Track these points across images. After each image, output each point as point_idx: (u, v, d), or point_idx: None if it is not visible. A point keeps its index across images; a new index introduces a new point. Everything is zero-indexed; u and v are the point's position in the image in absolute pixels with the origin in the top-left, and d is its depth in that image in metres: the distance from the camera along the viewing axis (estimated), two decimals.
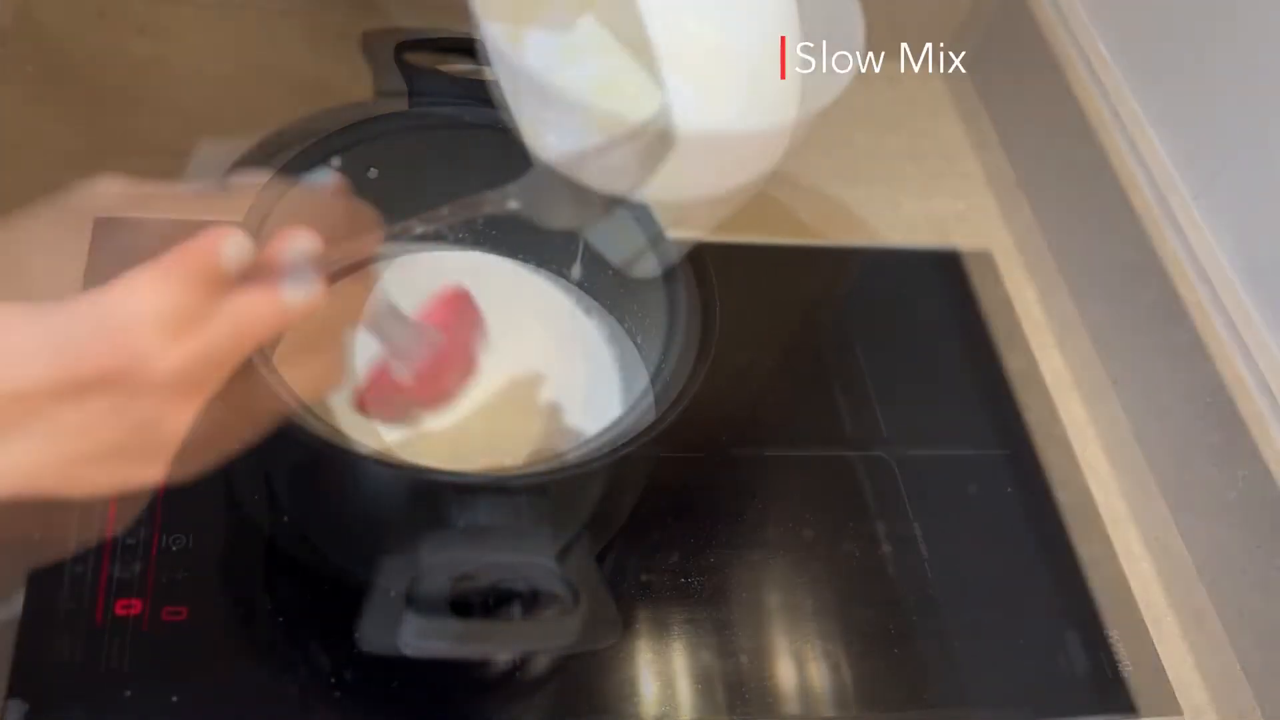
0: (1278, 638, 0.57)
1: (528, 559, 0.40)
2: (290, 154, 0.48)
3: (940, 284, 0.72)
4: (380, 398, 0.49)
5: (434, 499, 0.42)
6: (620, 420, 0.50)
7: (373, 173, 0.52)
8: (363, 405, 0.50)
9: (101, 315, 0.32)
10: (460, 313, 0.51)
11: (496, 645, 0.39)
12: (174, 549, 0.51)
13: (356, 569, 0.51)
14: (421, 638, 0.37)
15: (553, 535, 0.41)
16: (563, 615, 0.39)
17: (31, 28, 0.67)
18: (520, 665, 0.51)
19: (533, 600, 0.51)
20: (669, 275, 0.52)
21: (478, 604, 0.50)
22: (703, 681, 0.52)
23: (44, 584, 0.48)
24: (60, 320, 0.31)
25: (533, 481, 0.42)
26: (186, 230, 0.55)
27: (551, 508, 0.41)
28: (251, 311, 0.35)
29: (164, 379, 0.32)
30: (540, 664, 0.52)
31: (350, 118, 0.51)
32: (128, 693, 0.47)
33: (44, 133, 0.64)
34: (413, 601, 0.38)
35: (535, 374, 0.56)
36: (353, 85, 0.54)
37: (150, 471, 0.35)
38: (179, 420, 0.34)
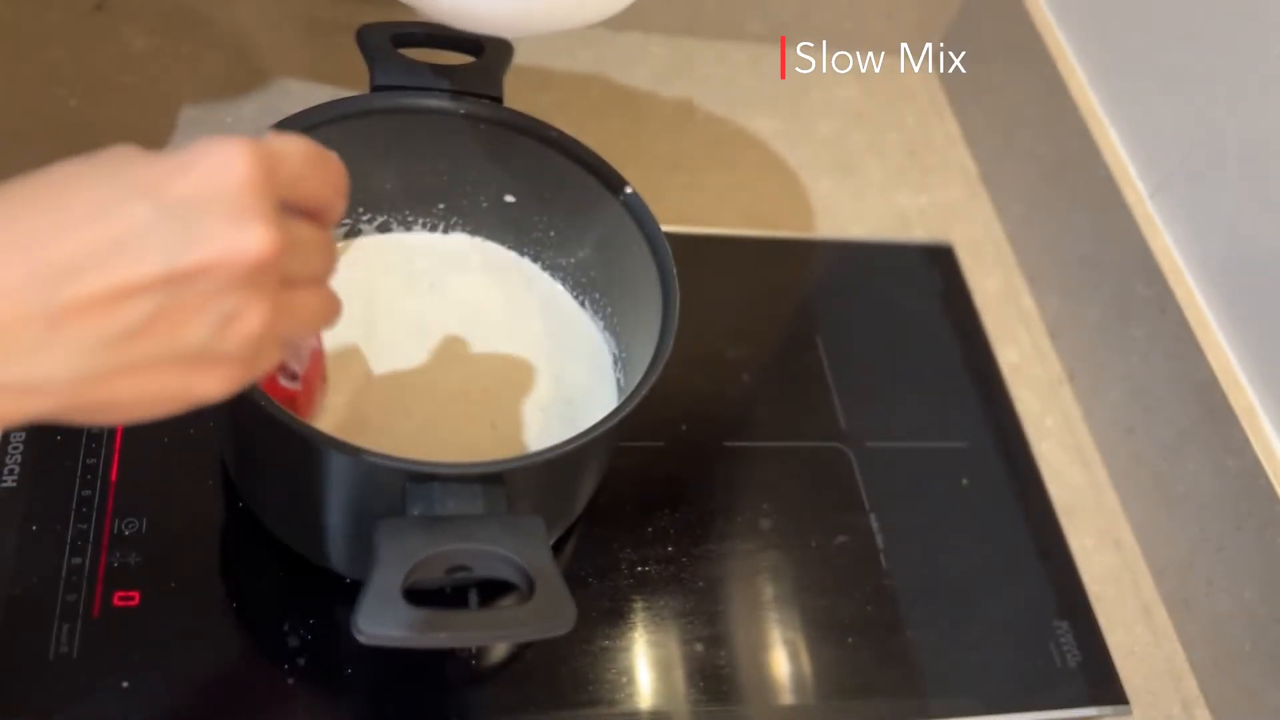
0: (1224, 629, 0.58)
1: (482, 547, 0.39)
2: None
3: (902, 277, 0.73)
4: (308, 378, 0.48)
5: (389, 486, 0.41)
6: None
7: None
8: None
9: (211, 189, 0.30)
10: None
11: (452, 634, 0.39)
12: (126, 533, 0.50)
13: (312, 555, 0.51)
14: (376, 626, 0.37)
15: (508, 524, 0.40)
16: (518, 604, 0.39)
17: (27, 19, 0.66)
18: (477, 653, 0.51)
19: (489, 589, 0.51)
20: (644, 265, 0.52)
21: (434, 593, 0.51)
22: (660, 669, 0.53)
23: None
24: (172, 196, 0.30)
25: (488, 470, 0.41)
26: None
27: (508, 496, 0.41)
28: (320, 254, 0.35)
29: (262, 264, 0.30)
30: (497, 652, 0.52)
31: (342, 109, 0.51)
32: (78, 680, 0.46)
33: (36, 124, 0.63)
34: (367, 589, 0.38)
35: (530, 365, 0.56)
36: (349, 78, 0.54)
37: (216, 384, 0.32)
38: (259, 318, 0.31)
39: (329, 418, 0.51)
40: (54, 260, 0.29)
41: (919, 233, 0.75)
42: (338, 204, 0.36)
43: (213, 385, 0.32)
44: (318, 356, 0.48)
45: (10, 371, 0.29)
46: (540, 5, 0.45)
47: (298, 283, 0.34)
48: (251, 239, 0.30)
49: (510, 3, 0.45)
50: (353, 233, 0.58)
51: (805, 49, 0.83)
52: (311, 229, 0.34)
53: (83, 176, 0.30)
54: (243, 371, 0.33)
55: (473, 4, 0.45)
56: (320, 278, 0.35)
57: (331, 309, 0.36)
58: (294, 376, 0.47)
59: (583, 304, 0.58)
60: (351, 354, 0.54)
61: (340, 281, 0.56)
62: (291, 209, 0.34)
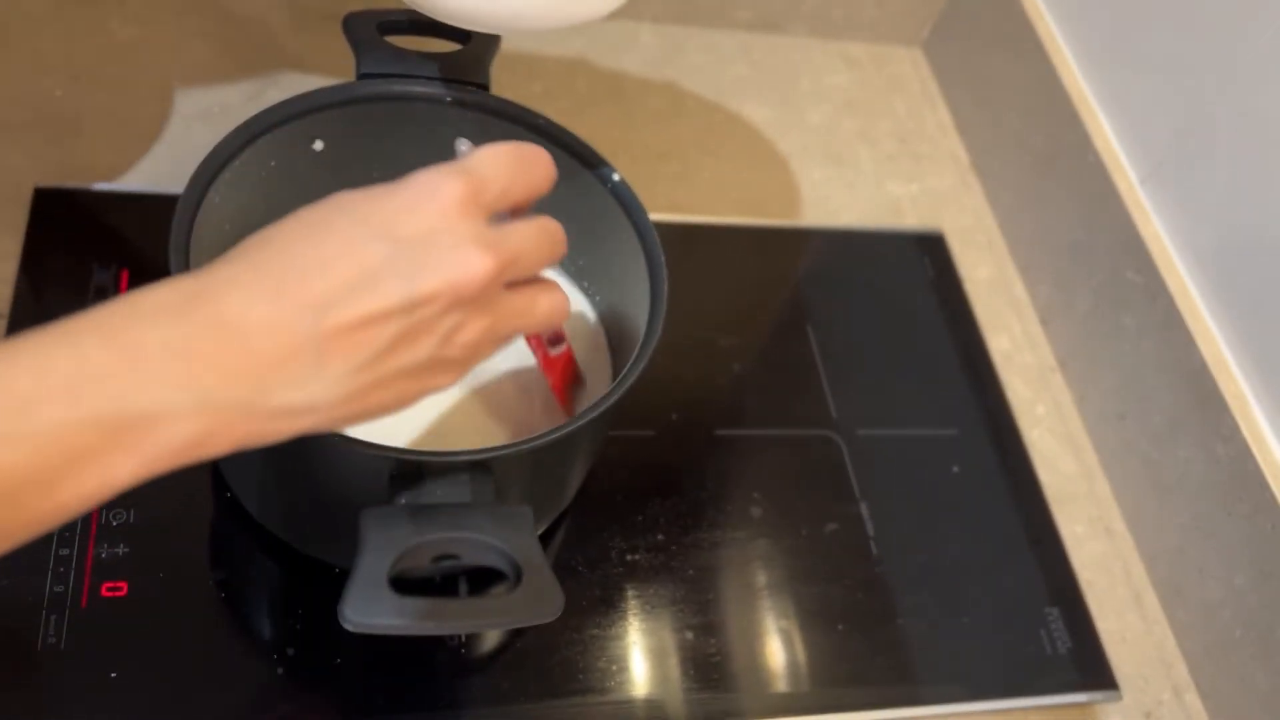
0: (1214, 616, 0.58)
1: (469, 536, 0.39)
2: (231, 130, 0.48)
3: (893, 265, 0.73)
4: (562, 380, 0.52)
5: (376, 475, 0.41)
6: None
7: (318, 145, 0.52)
8: (563, 397, 0.52)
9: (432, 226, 0.35)
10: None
11: (438, 622, 0.39)
12: (114, 524, 0.50)
13: (300, 545, 0.51)
14: (362, 614, 0.37)
15: (496, 512, 0.40)
16: (506, 592, 0.39)
17: (11, 9, 0.66)
18: (467, 643, 0.51)
19: (479, 578, 0.51)
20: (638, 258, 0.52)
21: (425, 582, 0.51)
22: (651, 658, 0.53)
23: None
24: (402, 235, 0.34)
25: (475, 458, 0.41)
26: (127, 203, 0.54)
27: (495, 484, 0.41)
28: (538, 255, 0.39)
29: (482, 287, 0.35)
30: (487, 642, 0.52)
31: (328, 97, 0.51)
32: (66, 671, 0.46)
33: (22, 114, 0.62)
34: (354, 578, 0.38)
35: (519, 353, 0.55)
36: (336, 66, 0.54)
37: (445, 381, 0.37)
38: (478, 328, 0.37)
39: None
40: (315, 297, 0.33)
41: (910, 221, 0.75)
42: (545, 187, 0.40)
43: (442, 382, 0.37)
44: (569, 356, 0.52)
45: (287, 397, 0.33)
46: (536, 5, 0.45)
47: (522, 283, 0.39)
48: (472, 265, 0.35)
49: (508, 2, 0.45)
50: None
51: (795, 36, 0.83)
52: (529, 229, 0.38)
53: (325, 222, 0.35)
54: (465, 367, 0.38)
55: (472, 3, 0.45)
56: (548, 264, 0.40)
57: (552, 307, 0.40)
58: (558, 341, 0.50)
59: (573, 291, 0.58)
60: None
61: None
62: (514, 209, 0.39)
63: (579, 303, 0.58)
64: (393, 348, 0.34)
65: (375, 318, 0.34)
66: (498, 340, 0.39)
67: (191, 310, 0.32)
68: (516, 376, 0.55)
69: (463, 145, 0.41)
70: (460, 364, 0.37)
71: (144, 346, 0.31)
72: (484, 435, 0.52)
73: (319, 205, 0.36)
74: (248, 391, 0.32)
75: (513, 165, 0.38)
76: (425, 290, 0.34)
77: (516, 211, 0.40)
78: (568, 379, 0.52)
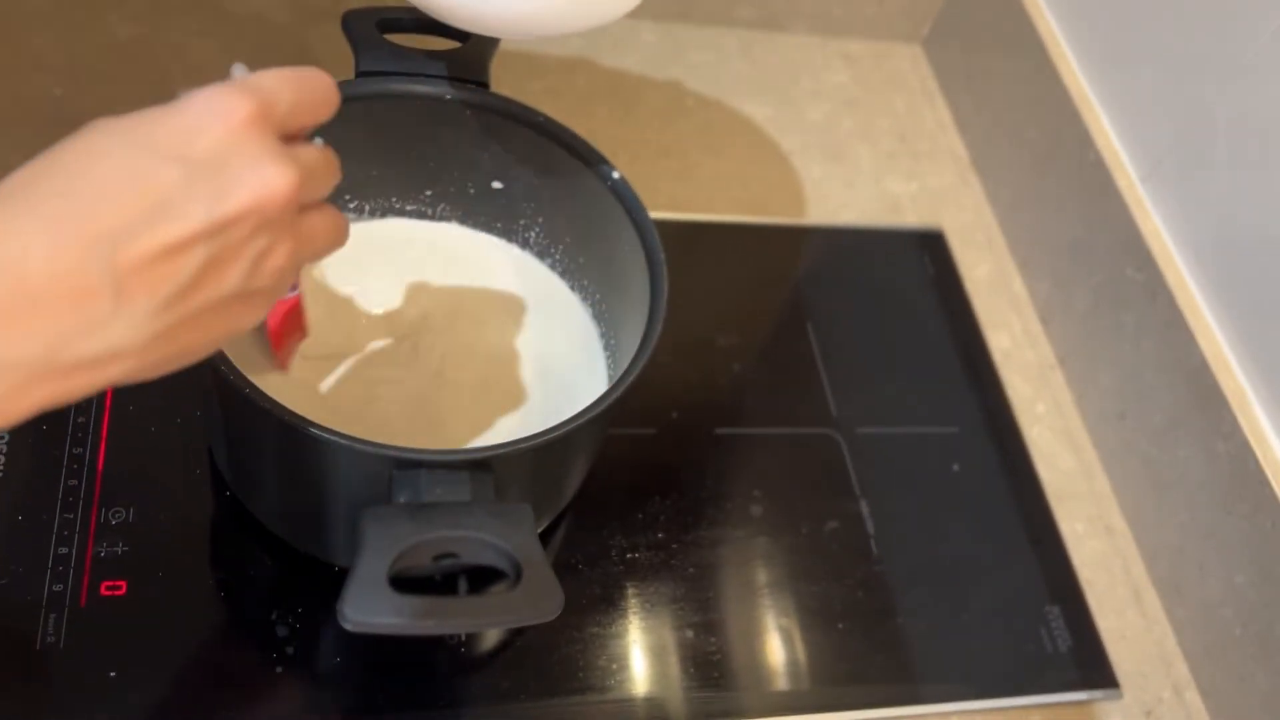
0: (1214, 614, 0.58)
1: (469, 534, 0.39)
2: None
3: (893, 263, 0.73)
4: (285, 327, 0.50)
5: (376, 473, 0.41)
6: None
7: (317, 142, 0.51)
8: (279, 346, 0.50)
9: (225, 143, 0.32)
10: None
11: (438, 621, 0.39)
12: (113, 523, 0.50)
13: (299, 544, 0.50)
14: (362, 613, 0.37)
15: (496, 511, 0.40)
16: (506, 591, 0.39)
17: (9, 6, 0.66)
18: (467, 641, 0.51)
19: (479, 577, 0.51)
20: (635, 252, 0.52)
21: (424, 580, 0.51)
22: (651, 656, 0.53)
23: None
24: (195, 155, 0.32)
25: (475, 457, 0.41)
26: None
27: (495, 483, 0.41)
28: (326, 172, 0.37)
29: (287, 202, 0.33)
30: (487, 640, 0.52)
31: None
32: (65, 669, 0.46)
33: (21, 113, 0.62)
34: (353, 576, 0.38)
35: (519, 351, 0.55)
36: (335, 64, 0.54)
37: (252, 316, 0.35)
38: (285, 251, 0.34)
39: (316, 405, 0.50)
40: (104, 231, 0.29)
41: (910, 219, 0.75)
42: (329, 114, 0.38)
43: (251, 316, 0.35)
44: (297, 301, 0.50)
45: (88, 345, 0.30)
46: (548, 11, 0.45)
47: (310, 207, 0.36)
48: (275, 180, 0.32)
49: (520, 7, 0.45)
50: None
51: (795, 35, 0.83)
52: (315, 151, 0.36)
53: (101, 151, 0.31)
54: (270, 299, 0.35)
55: (482, 8, 0.45)
56: (328, 191, 0.37)
57: (341, 229, 0.39)
58: (292, 285, 0.48)
59: (572, 289, 0.58)
60: (340, 340, 0.53)
61: (329, 269, 0.56)
62: (292, 136, 0.36)
63: (577, 301, 0.58)
64: (201, 278, 0.32)
65: (178, 246, 0.31)
66: (298, 267, 0.36)
67: None
68: (512, 372, 0.55)
69: (239, 70, 0.39)
70: (266, 295, 0.35)
71: None
72: (482, 433, 0.52)
73: (83, 133, 0.32)
74: (39, 346, 0.29)
75: (295, 84, 0.35)
76: (230, 210, 0.31)
77: (297, 138, 0.38)
78: (289, 325, 0.50)
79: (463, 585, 0.51)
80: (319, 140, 0.49)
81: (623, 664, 0.52)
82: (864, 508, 0.60)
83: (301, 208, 0.35)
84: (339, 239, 0.39)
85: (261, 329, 0.50)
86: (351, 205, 0.57)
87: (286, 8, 0.71)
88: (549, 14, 0.46)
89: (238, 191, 0.32)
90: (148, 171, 0.31)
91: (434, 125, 0.54)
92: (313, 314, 0.52)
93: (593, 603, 0.54)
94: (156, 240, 0.30)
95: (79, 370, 0.30)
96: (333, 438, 0.41)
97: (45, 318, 0.29)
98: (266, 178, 0.32)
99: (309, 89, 0.36)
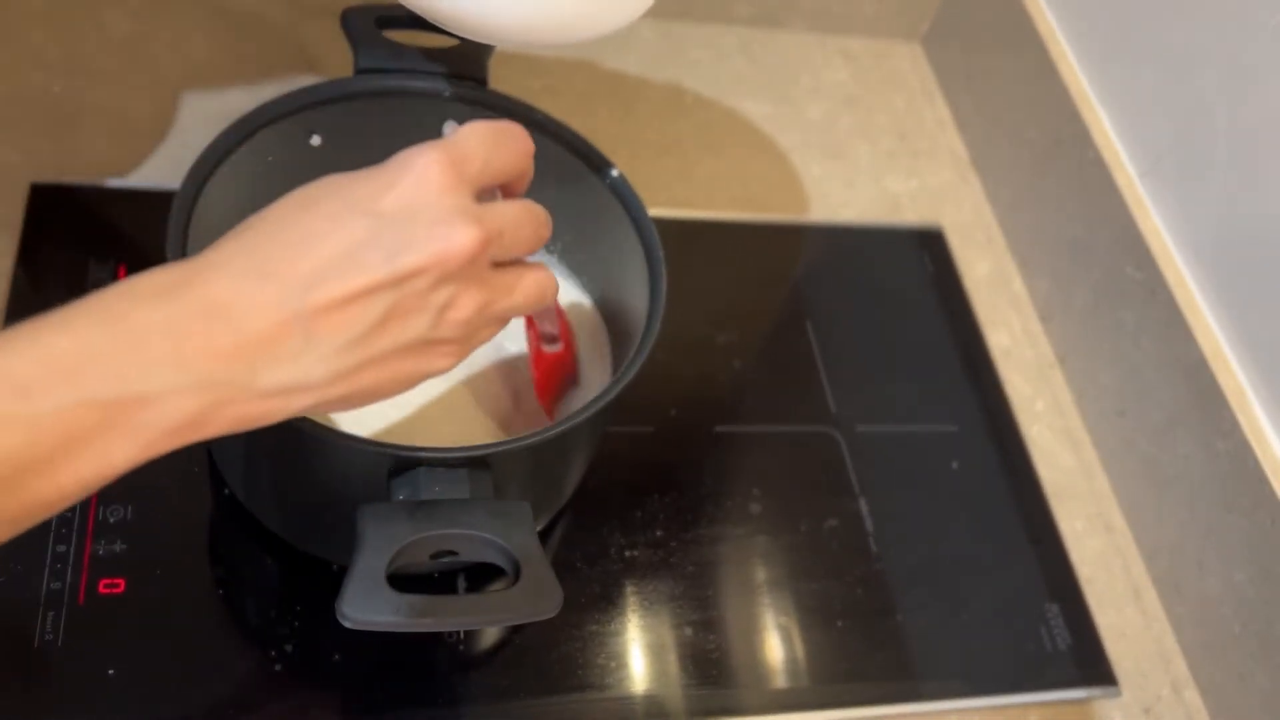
0: (1213, 612, 0.58)
1: (467, 532, 0.39)
2: (228, 125, 0.48)
3: (893, 261, 0.73)
4: (549, 379, 0.52)
5: (374, 471, 0.41)
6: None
7: (316, 140, 0.52)
8: (544, 396, 0.52)
9: (415, 200, 0.35)
10: (566, 332, 0.53)
11: (436, 619, 0.39)
12: (111, 521, 0.50)
13: (298, 542, 0.50)
14: (360, 611, 0.37)
15: (494, 508, 0.40)
16: (505, 588, 0.39)
17: (6, 2, 0.66)
18: (465, 639, 0.51)
19: (478, 575, 0.51)
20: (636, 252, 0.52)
21: (423, 578, 0.50)
22: (650, 654, 0.53)
23: None
24: (385, 210, 0.35)
25: (474, 454, 0.41)
26: (124, 199, 0.54)
27: (494, 481, 0.41)
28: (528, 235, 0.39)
29: (469, 259, 0.35)
30: (486, 638, 0.52)
31: (326, 92, 0.51)
32: (63, 668, 0.46)
33: (19, 109, 0.62)
34: (352, 574, 0.37)
35: (518, 350, 0.55)
36: (334, 61, 0.54)
37: (443, 363, 0.38)
38: (471, 304, 0.36)
39: None
40: (299, 275, 0.33)
41: (909, 217, 0.75)
42: (528, 167, 0.40)
43: (440, 363, 0.38)
44: (561, 315, 0.51)
45: (279, 376, 0.33)
46: (554, 19, 0.46)
47: (510, 263, 0.39)
48: (457, 238, 0.35)
49: (529, 16, 0.45)
50: None
51: (794, 32, 0.83)
52: (513, 208, 0.39)
53: (311, 202, 0.35)
54: (464, 348, 0.38)
55: (489, 18, 0.45)
56: (535, 248, 0.40)
57: (544, 286, 0.40)
58: (553, 339, 0.50)
59: (572, 287, 0.58)
60: None
61: None
62: (490, 189, 0.39)
63: (579, 298, 0.58)
64: (383, 324, 0.35)
65: (360, 293, 0.34)
66: (492, 320, 0.39)
67: (183, 293, 0.32)
68: (512, 369, 0.55)
69: (449, 127, 0.41)
70: (456, 344, 0.37)
71: (138, 329, 0.31)
72: (466, 429, 0.52)
73: (307, 187, 0.36)
74: (239, 371, 0.33)
75: (491, 139, 0.38)
76: (410, 263, 0.34)
77: (504, 193, 0.40)
78: (555, 379, 0.52)
79: (461, 583, 0.51)
80: (316, 138, 0.49)
81: (622, 662, 0.52)
82: (863, 506, 0.60)
83: (499, 262, 0.38)
84: (540, 296, 0.40)
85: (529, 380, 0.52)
86: None
87: (285, 4, 0.71)
88: (552, 24, 0.46)
89: (419, 247, 0.34)
90: (344, 224, 0.34)
91: (433, 123, 0.54)
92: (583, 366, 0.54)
93: (592, 601, 0.54)
94: (342, 286, 0.34)
95: (270, 396, 0.34)
96: (331, 436, 0.41)
97: (245, 347, 0.33)
98: (448, 236, 0.35)
99: (505, 141, 0.39)
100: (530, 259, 0.58)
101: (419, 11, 0.47)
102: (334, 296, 0.34)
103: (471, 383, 0.54)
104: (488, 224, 0.36)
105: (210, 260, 0.34)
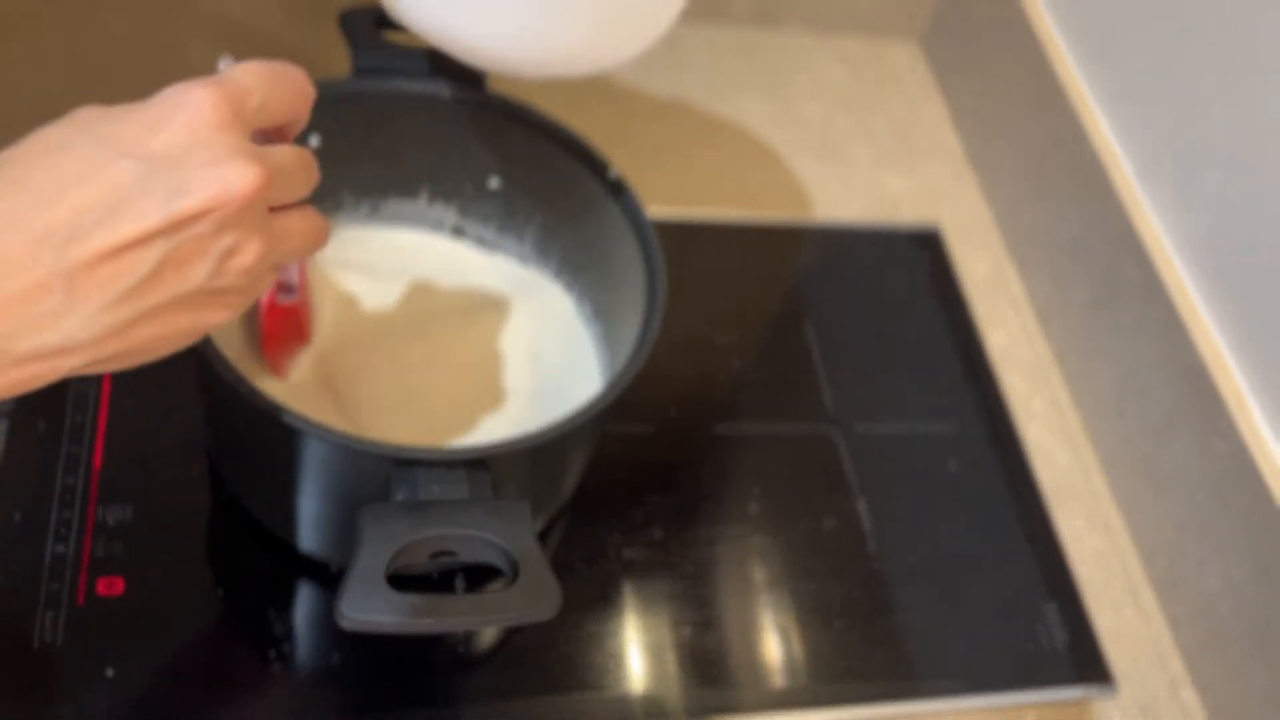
0: (1211, 610, 0.58)
1: (466, 532, 0.39)
2: None
3: (890, 261, 0.73)
4: (279, 332, 0.49)
5: (374, 472, 0.41)
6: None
7: (314, 140, 0.52)
8: (271, 349, 0.50)
9: (188, 139, 0.32)
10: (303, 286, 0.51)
11: (435, 619, 0.39)
12: (110, 521, 0.50)
13: (297, 542, 0.50)
14: (359, 611, 0.37)
15: (493, 508, 0.40)
16: (504, 589, 0.39)
17: (5, 2, 0.66)
18: (465, 640, 0.51)
19: (477, 575, 0.51)
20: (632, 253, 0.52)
21: (422, 579, 0.51)
22: (649, 654, 0.53)
23: None
24: (154, 151, 0.32)
25: (473, 455, 0.41)
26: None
27: (492, 481, 0.41)
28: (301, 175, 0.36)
29: (250, 201, 0.32)
30: (485, 638, 0.52)
31: (324, 93, 0.51)
32: (62, 668, 0.46)
33: (17, 110, 0.62)
34: (351, 574, 0.38)
35: (515, 349, 0.55)
36: (331, 62, 0.54)
37: (222, 315, 0.35)
38: (253, 251, 0.33)
39: (313, 403, 0.50)
40: (56, 226, 0.30)
41: (907, 216, 0.75)
42: (304, 112, 0.37)
43: (219, 315, 0.34)
44: (301, 266, 0.49)
45: (40, 338, 0.30)
46: (563, 53, 0.47)
47: (286, 207, 0.36)
48: (236, 178, 0.32)
49: (541, 52, 0.46)
50: (335, 215, 0.57)
51: (792, 31, 0.83)
52: (289, 152, 0.35)
53: (61, 144, 0.31)
54: (244, 298, 0.35)
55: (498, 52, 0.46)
56: (306, 191, 0.36)
57: (319, 231, 0.38)
58: (290, 289, 0.47)
59: (569, 287, 0.58)
60: (335, 340, 0.53)
61: (324, 267, 0.56)
62: (265, 133, 0.36)
63: (568, 301, 0.58)
64: (157, 276, 0.31)
65: (131, 243, 0.31)
66: (271, 268, 0.36)
67: None
68: (510, 369, 0.55)
69: (224, 63, 0.39)
70: (238, 294, 0.34)
71: None
72: (479, 431, 0.52)
73: (53, 126, 0.32)
74: None
75: (269, 78, 0.35)
76: (188, 208, 0.31)
77: (278, 138, 0.38)
78: (287, 332, 0.50)
79: (460, 583, 0.51)
80: (314, 139, 0.49)
81: (621, 661, 0.52)
82: (861, 505, 0.60)
83: (276, 207, 0.35)
84: (316, 241, 0.38)
85: (255, 333, 0.50)
86: (346, 203, 0.57)
87: (283, 5, 0.71)
88: (559, 59, 0.47)
89: (196, 189, 0.31)
90: (105, 166, 0.31)
91: (431, 123, 0.54)
92: (318, 320, 0.52)
93: (591, 600, 0.54)
94: (109, 237, 0.30)
95: (32, 361, 0.31)
96: (331, 436, 0.41)
97: None
98: (227, 176, 0.32)
99: (283, 81, 0.36)
100: (530, 255, 0.59)
101: (432, 42, 0.48)
102: (99, 248, 0.30)
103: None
104: (267, 164, 0.33)
105: None
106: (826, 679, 0.54)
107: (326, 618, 0.50)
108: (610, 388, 0.45)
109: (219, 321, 0.35)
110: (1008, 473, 0.64)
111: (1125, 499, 0.64)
